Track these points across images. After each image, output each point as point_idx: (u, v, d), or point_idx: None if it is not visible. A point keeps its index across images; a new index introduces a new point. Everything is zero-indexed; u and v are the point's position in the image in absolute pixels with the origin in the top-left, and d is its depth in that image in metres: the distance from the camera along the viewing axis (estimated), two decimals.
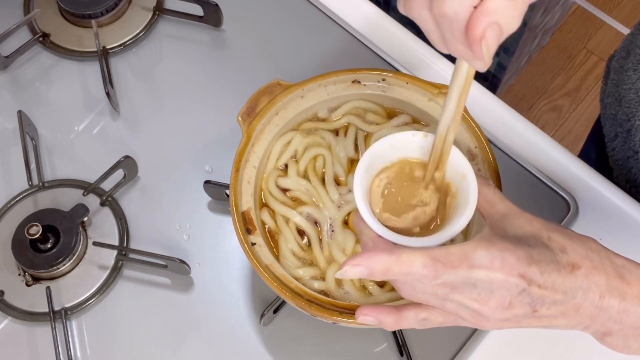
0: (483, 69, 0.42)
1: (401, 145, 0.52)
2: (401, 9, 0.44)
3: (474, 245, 0.43)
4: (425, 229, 0.51)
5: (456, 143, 0.60)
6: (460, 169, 0.50)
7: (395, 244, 0.47)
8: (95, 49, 0.77)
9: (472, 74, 0.45)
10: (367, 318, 0.47)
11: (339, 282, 0.58)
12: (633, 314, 0.43)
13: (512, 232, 0.45)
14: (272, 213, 0.60)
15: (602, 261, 0.44)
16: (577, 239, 0.45)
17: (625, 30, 1.88)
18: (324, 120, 0.65)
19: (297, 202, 0.61)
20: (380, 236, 0.47)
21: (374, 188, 0.52)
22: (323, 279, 0.58)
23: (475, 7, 0.39)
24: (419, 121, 0.64)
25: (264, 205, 0.61)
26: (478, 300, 0.43)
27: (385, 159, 0.52)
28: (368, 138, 0.63)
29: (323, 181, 0.61)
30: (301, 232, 0.60)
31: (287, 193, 0.61)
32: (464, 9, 0.39)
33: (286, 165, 0.62)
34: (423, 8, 0.41)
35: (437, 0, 0.39)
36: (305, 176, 0.62)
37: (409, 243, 0.47)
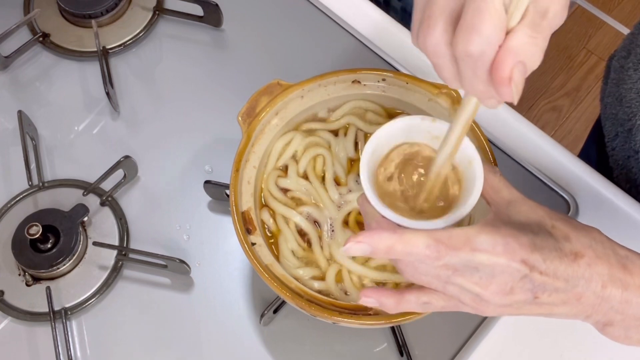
0: (496, 107, 0.41)
1: (409, 129, 0.51)
2: (414, 40, 0.42)
3: (478, 230, 0.43)
4: (430, 213, 0.51)
5: None
6: (467, 155, 0.50)
7: (399, 225, 0.47)
8: (95, 49, 0.77)
9: (477, 110, 0.44)
10: (369, 300, 0.47)
11: (339, 282, 0.58)
12: (635, 305, 0.43)
13: (516, 219, 0.45)
14: (272, 213, 0.60)
15: (606, 251, 0.44)
16: (581, 229, 0.45)
17: (625, 30, 1.88)
18: (324, 120, 0.65)
19: (297, 202, 0.61)
20: (384, 217, 0.47)
21: (380, 173, 0.52)
22: (323, 279, 0.58)
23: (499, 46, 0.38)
24: None
25: (264, 205, 0.61)
26: (479, 284, 0.43)
27: (393, 143, 0.52)
28: (368, 138, 0.63)
29: (323, 181, 0.61)
30: (301, 232, 0.60)
31: (287, 193, 0.61)
32: (492, 48, 0.37)
33: (286, 166, 0.62)
34: (441, 44, 0.39)
35: (462, 38, 0.38)
36: (305, 176, 0.62)
37: (412, 225, 0.47)
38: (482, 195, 0.48)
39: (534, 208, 0.46)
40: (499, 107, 0.41)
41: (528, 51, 0.38)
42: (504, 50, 0.38)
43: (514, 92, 0.39)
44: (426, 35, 0.40)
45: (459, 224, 0.48)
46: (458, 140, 0.47)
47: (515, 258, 0.42)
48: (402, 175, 0.52)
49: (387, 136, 0.51)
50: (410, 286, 0.47)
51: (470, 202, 0.48)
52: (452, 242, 0.42)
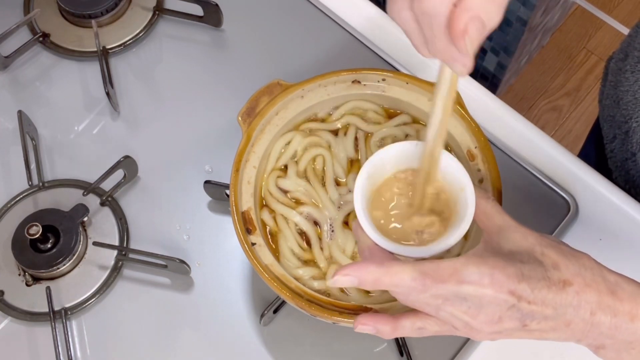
0: (465, 72, 0.43)
1: (404, 154, 0.52)
2: (388, 11, 0.45)
3: (465, 262, 0.43)
4: (425, 237, 0.51)
5: (456, 144, 0.60)
6: (459, 182, 0.50)
7: (392, 252, 0.47)
8: (95, 49, 0.77)
9: (456, 83, 0.46)
10: (365, 327, 0.48)
11: None
12: (624, 330, 0.44)
13: (506, 246, 0.46)
14: (272, 213, 0.60)
15: (595, 278, 0.44)
16: (570, 256, 0.45)
17: (625, 31, 1.88)
18: (323, 120, 0.65)
19: (297, 202, 0.61)
20: (377, 245, 0.48)
21: (375, 197, 0.52)
22: (323, 278, 0.58)
23: (455, 5, 0.40)
24: (418, 121, 0.64)
25: (264, 205, 0.61)
26: (468, 314, 0.44)
27: (387, 169, 0.52)
28: (368, 138, 0.63)
29: (323, 181, 0.61)
30: (301, 232, 0.60)
31: (287, 193, 0.61)
32: (444, 5, 0.40)
33: (286, 166, 0.62)
34: (404, 9, 0.42)
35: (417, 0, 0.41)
36: (305, 176, 0.62)
37: (405, 252, 0.47)
38: (475, 221, 0.49)
39: (525, 235, 0.46)
40: (466, 73, 0.43)
41: (484, 8, 0.40)
42: (459, 7, 0.40)
43: (468, 46, 0.40)
44: (392, 3, 0.43)
45: (449, 250, 0.49)
46: (442, 119, 0.47)
47: (502, 289, 0.42)
48: (398, 197, 0.52)
49: (381, 162, 0.52)
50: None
51: (461, 229, 0.48)
52: (439, 274, 0.43)
